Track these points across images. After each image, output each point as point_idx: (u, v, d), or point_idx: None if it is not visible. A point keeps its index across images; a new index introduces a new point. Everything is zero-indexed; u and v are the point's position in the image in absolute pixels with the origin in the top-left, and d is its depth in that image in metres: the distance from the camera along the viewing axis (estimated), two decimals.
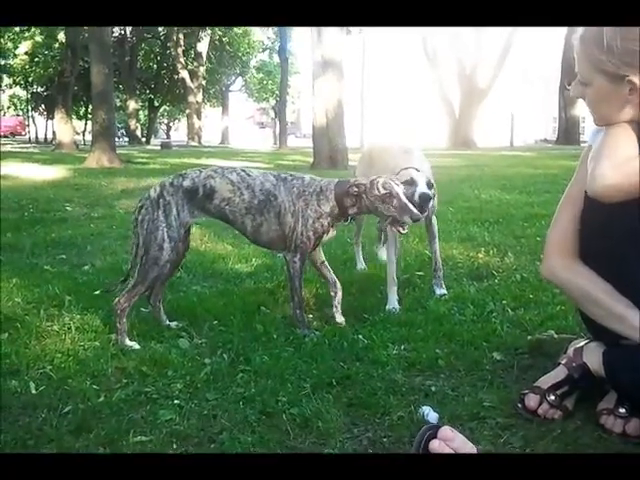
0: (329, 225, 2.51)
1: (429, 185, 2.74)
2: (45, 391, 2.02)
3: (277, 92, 34.23)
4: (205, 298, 3.00)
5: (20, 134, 42.87)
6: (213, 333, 2.52)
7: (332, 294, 2.67)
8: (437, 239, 3.17)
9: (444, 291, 3.04)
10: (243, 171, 2.57)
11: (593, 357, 1.80)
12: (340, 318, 2.63)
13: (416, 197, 2.64)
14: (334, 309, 2.64)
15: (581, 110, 23.59)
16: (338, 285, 2.67)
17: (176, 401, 1.94)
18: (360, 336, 2.46)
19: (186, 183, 2.49)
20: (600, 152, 1.61)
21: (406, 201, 2.40)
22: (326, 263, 2.71)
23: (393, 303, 2.88)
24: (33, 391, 2.02)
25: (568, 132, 24.28)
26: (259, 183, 2.52)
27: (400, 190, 2.42)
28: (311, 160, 13.22)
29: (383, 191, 2.40)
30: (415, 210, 2.41)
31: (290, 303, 2.64)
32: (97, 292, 3.06)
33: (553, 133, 31.42)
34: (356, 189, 2.44)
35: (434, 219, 3.13)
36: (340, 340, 2.43)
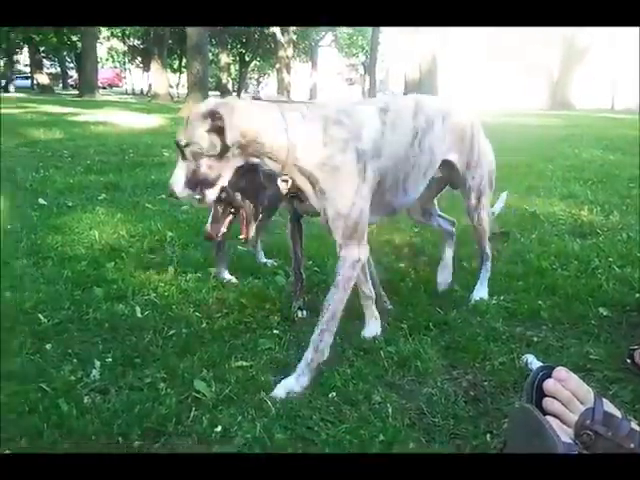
0: None
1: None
2: (150, 315, 2.10)
3: (367, 48, 33.61)
4: None
5: (117, 85, 44.27)
6: (309, 272, 2.53)
7: None
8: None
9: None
10: None
11: None
12: None
13: None
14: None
15: None
16: None
17: (275, 331, 1.98)
18: (456, 285, 2.41)
19: None
20: None
21: None
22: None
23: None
24: (139, 315, 2.11)
25: None
26: None
27: None
28: None
29: None
30: None
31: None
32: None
33: None
34: None
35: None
36: (435, 287, 2.39)
